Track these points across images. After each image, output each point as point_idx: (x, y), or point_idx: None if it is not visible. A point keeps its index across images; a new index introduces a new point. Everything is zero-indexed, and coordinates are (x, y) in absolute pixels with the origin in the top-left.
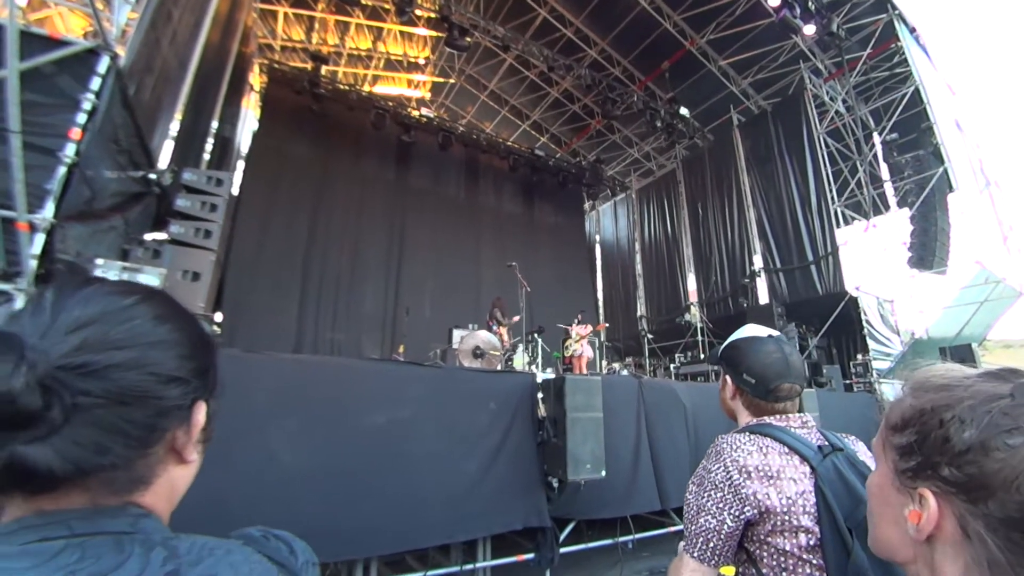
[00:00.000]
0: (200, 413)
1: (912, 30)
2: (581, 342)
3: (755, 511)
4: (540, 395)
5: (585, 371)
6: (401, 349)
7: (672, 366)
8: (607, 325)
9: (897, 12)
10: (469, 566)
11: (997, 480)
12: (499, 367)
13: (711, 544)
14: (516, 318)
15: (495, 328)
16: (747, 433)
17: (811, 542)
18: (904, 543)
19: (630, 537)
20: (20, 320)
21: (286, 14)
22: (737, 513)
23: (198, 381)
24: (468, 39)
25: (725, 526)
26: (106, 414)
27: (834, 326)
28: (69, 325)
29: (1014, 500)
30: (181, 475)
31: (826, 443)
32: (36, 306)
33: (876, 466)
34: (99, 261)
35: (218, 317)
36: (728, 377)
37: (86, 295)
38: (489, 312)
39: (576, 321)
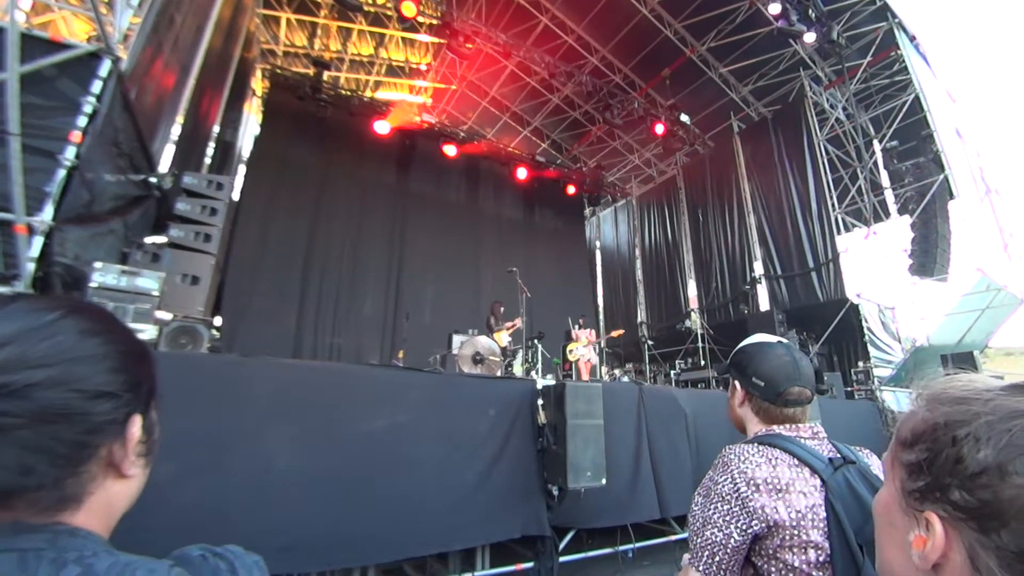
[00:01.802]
0: (135, 427)
1: (912, 38)
2: (589, 347)
3: (763, 525)
4: (540, 401)
5: (587, 376)
6: (400, 354)
7: (672, 372)
8: (623, 331)
9: (897, 20)
10: (467, 575)
11: (1013, 508)
12: (499, 373)
13: (717, 558)
14: (517, 320)
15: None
16: (755, 444)
17: (820, 558)
18: (908, 570)
19: (630, 546)
20: None
21: (289, 20)
22: (744, 527)
23: (131, 395)
24: (469, 45)
25: (732, 540)
26: (30, 434)
27: (835, 333)
28: None
29: None
30: (120, 491)
31: (837, 455)
32: None
33: (884, 483)
34: (97, 264)
35: (217, 321)
36: (737, 383)
37: (6, 313)
38: (486, 318)
39: (578, 326)
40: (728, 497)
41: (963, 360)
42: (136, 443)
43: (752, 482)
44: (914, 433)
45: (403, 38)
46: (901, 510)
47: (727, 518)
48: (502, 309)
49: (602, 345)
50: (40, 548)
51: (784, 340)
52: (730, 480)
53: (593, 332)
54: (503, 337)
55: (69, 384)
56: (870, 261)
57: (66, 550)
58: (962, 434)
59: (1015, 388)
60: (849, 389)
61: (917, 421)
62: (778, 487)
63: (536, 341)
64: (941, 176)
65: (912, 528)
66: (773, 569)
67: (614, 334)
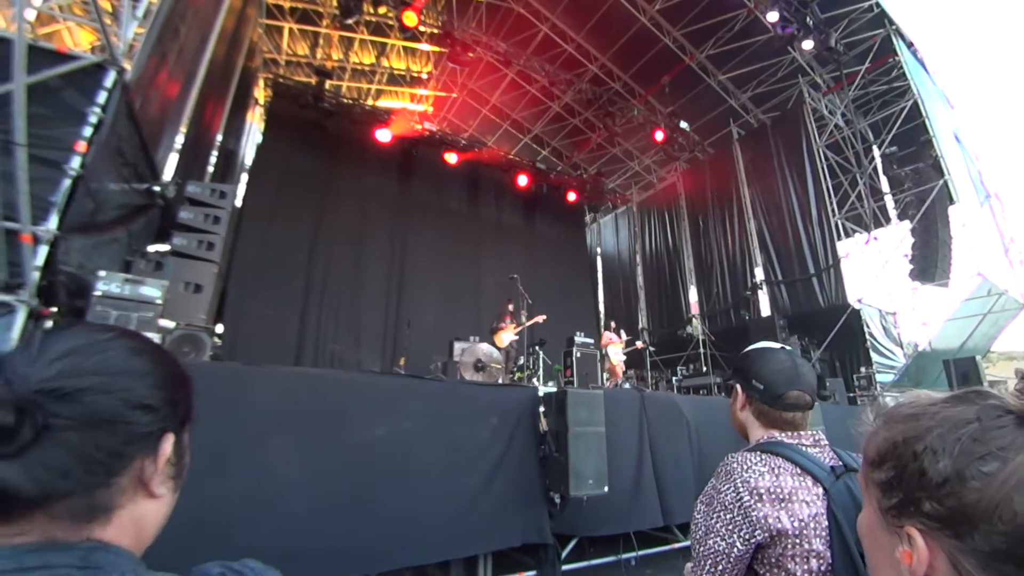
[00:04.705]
0: (167, 444)
1: (909, 44)
2: (618, 351)
3: (766, 535)
4: (542, 409)
5: (619, 377)
6: (402, 362)
7: (674, 379)
8: (644, 345)
9: (894, 27)
10: None
11: (978, 511)
12: (501, 379)
13: (720, 567)
14: (541, 318)
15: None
16: (758, 452)
17: (822, 567)
18: None
19: (633, 554)
20: (12, 352)
21: (291, 30)
22: (747, 536)
23: (168, 410)
24: (470, 54)
25: (735, 549)
26: (75, 436)
27: (837, 339)
28: (51, 355)
29: (998, 531)
30: (150, 510)
31: (839, 463)
32: (27, 342)
33: (863, 505)
34: (101, 273)
35: (219, 329)
36: (739, 387)
37: (69, 333)
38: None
39: (611, 329)
40: (731, 506)
41: (965, 365)
42: (166, 462)
43: (755, 491)
44: (879, 453)
45: (404, 47)
46: (883, 528)
47: (730, 527)
48: (510, 307)
49: (603, 352)
50: (72, 566)
51: (787, 347)
52: (733, 489)
53: (621, 339)
54: (504, 337)
55: (116, 392)
56: (871, 266)
57: (99, 569)
58: (920, 448)
59: (955, 399)
60: (852, 395)
61: (879, 441)
62: (781, 496)
63: (537, 348)
64: (941, 181)
65: (897, 544)
66: None
67: (639, 345)
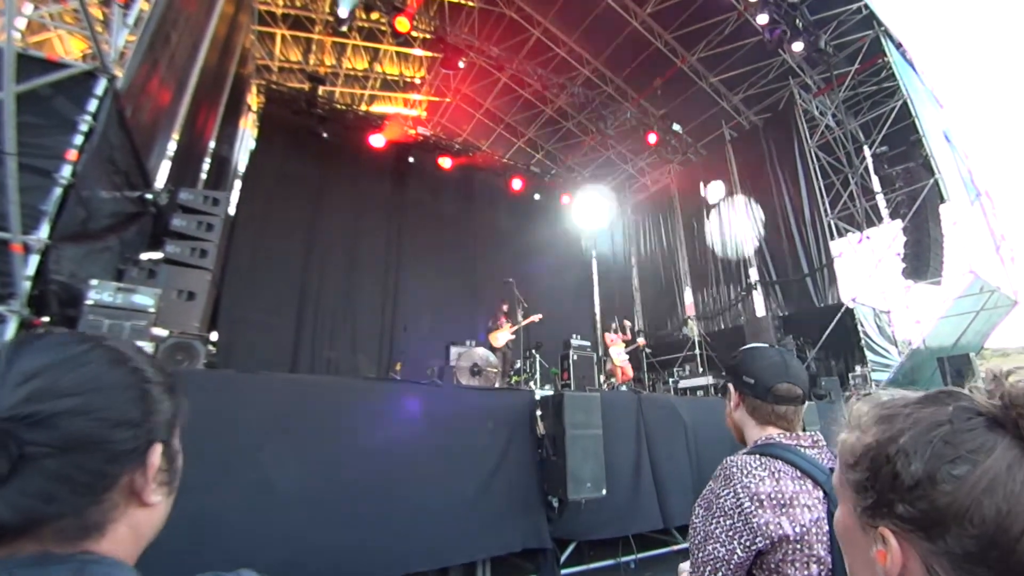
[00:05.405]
0: (155, 455)
1: (898, 45)
2: (620, 351)
3: (767, 541)
4: (539, 412)
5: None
6: (398, 367)
7: (671, 380)
8: (645, 343)
9: (883, 28)
10: None
11: (949, 514)
12: (497, 384)
13: (719, 574)
14: (537, 317)
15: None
16: (757, 455)
17: (823, 573)
18: None
19: (632, 557)
20: None
21: (284, 36)
22: (748, 543)
23: (152, 423)
24: (463, 59)
25: (735, 556)
26: (54, 463)
27: (831, 338)
28: (19, 377)
29: (969, 534)
30: (144, 519)
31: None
32: None
33: (839, 504)
34: (93, 282)
35: (214, 336)
36: (731, 385)
37: (39, 346)
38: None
39: (612, 330)
40: (731, 512)
41: (959, 363)
42: (157, 471)
43: (756, 497)
44: (854, 454)
45: (397, 52)
46: (859, 528)
47: (730, 533)
48: (505, 307)
49: (599, 353)
50: None
51: (776, 346)
52: (733, 495)
53: (622, 338)
54: (500, 336)
55: (92, 413)
56: (864, 265)
57: None
58: (893, 451)
59: (927, 400)
60: (847, 393)
61: (854, 443)
62: (782, 502)
63: (534, 351)
64: (931, 180)
65: (872, 544)
66: None
67: (640, 343)
